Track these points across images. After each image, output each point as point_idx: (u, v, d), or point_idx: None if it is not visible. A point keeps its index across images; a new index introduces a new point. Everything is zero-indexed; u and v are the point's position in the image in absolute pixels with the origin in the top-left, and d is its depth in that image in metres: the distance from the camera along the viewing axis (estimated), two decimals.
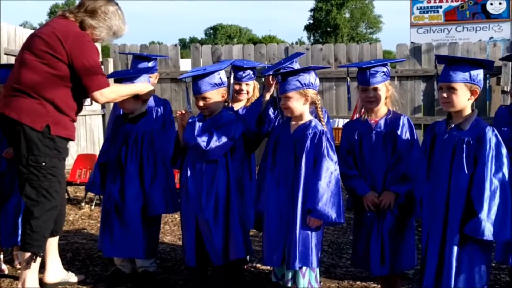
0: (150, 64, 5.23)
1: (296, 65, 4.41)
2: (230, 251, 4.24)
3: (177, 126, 4.33)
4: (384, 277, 4.18)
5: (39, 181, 4.14)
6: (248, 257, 4.86)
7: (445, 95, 3.56)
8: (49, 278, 4.52)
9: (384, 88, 4.06)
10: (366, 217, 4.06)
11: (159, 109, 5.15)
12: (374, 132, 4.05)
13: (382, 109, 4.10)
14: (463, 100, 3.56)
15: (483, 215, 3.39)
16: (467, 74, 3.54)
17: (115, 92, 4.40)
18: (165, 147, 4.57)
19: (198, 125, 4.15)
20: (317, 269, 3.94)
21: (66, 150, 4.35)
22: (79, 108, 4.37)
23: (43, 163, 4.13)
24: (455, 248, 3.50)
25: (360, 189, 4.04)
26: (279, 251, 3.90)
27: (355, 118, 4.82)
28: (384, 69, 4.05)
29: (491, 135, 3.49)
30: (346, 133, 4.21)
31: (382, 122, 4.07)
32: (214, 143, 4.13)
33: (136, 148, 4.59)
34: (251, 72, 4.79)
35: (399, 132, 4.00)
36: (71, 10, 4.36)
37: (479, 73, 3.57)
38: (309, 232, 3.84)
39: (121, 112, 4.83)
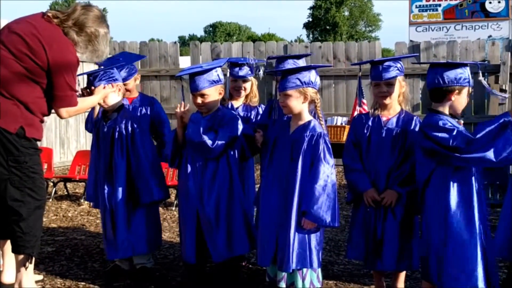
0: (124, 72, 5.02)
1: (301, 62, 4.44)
2: (234, 246, 4.26)
3: (177, 124, 4.34)
4: (379, 272, 4.23)
5: (21, 181, 3.98)
6: (246, 254, 4.89)
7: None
8: (6, 278, 4.42)
9: (397, 83, 4.05)
10: (365, 212, 4.08)
11: (144, 108, 5.13)
12: (385, 128, 4.05)
13: (395, 107, 4.10)
14: None
15: None
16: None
17: (78, 111, 4.29)
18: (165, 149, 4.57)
19: (202, 123, 4.16)
20: (319, 269, 3.96)
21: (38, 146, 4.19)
22: (49, 112, 4.16)
23: (25, 162, 3.97)
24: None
25: (362, 184, 4.05)
26: (270, 251, 3.92)
27: (356, 114, 4.83)
28: (398, 65, 4.05)
29: None
30: (355, 126, 4.20)
31: (394, 120, 4.07)
32: (220, 140, 4.15)
33: (121, 143, 4.62)
34: (248, 69, 4.79)
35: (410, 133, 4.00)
36: (57, 15, 4.04)
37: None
38: (307, 234, 3.85)
39: (100, 116, 4.84)
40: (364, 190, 4.03)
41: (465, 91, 3.67)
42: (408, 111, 4.16)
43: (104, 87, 4.53)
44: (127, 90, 5.08)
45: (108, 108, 4.67)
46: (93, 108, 4.98)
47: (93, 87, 4.54)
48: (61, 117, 4.23)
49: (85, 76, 4.79)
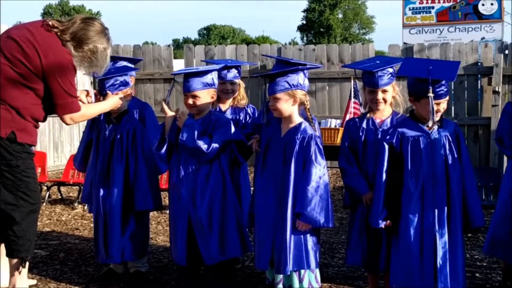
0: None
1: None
2: (227, 249, 4.25)
3: (166, 120, 4.31)
4: (375, 274, 4.23)
5: (15, 185, 3.97)
6: (240, 258, 4.88)
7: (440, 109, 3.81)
8: (0, 282, 4.37)
9: (391, 89, 4.09)
10: (362, 214, 4.10)
11: (135, 112, 5.09)
12: (380, 130, 4.08)
13: (387, 109, 4.13)
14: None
15: (479, 205, 3.79)
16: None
17: (83, 116, 4.26)
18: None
19: (196, 128, 4.16)
20: (317, 270, 3.98)
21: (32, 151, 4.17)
22: (44, 119, 4.15)
23: (17, 166, 3.96)
24: (460, 245, 3.78)
25: (361, 188, 4.07)
26: (267, 254, 3.93)
27: (348, 117, 4.84)
28: (391, 70, 4.07)
29: (458, 128, 3.91)
30: (349, 130, 4.22)
31: (388, 121, 4.11)
32: (215, 145, 4.15)
33: (121, 147, 4.61)
34: (236, 71, 4.79)
35: None
36: (56, 25, 4.00)
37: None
38: (303, 235, 3.86)
39: (102, 118, 4.81)
40: (364, 193, 4.05)
41: (424, 102, 3.73)
42: (400, 112, 4.18)
43: (117, 94, 4.53)
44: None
45: (113, 111, 4.66)
46: None
47: (108, 92, 4.51)
48: (66, 124, 4.23)
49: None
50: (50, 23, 4.02)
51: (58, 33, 4.00)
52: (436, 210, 3.73)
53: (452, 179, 3.75)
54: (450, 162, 3.76)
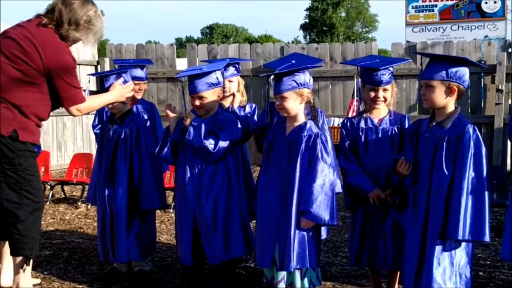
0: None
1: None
2: (231, 249, 4.26)
3: (170, 123, 4.34)
4: (377, 273, 4.23)
5: (18, 183, 3.99)
6: (244, 257, 4.89)
7: (423, 92, 3.65)
8: (4, 281, 4.41)
9: (391, 88, 4.09)
10: (366, 213, 4.07)
11: (145, 114, 5.09)
12: (380, 128, 4.07)
13: (384, 108, 4.12)
14: (440, 97, 3.58)
15: (461, 216, 3.45)
16: (443, 72, 3.55)
17: (90, 107, 4.33)
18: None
19: (203, 127, 4.17)
20: (318, 268, 3.98)
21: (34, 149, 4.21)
22: (47, 116, 4.20)
23: (20, 165, 3.98)
24: (437, 248, 3.56)
25: (367, 186, 4.02)
26: (269, 252, 3.93)
27: (350, 115, 4.84)
28: (391, 69, 4.07)
29: (472, 133, 3.50)
30: (348, 130, 4.18)
31: (387, 119, 4.09)
32: (222, 145, 4.16)
33: (125, 147, 4.62)
34: (234, 69, 4.79)
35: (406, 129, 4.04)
36: (49, 22, 4.05)
37: (457, 71, 3.55)
38: (306, 233, 3.87)
39: (105, 118, 4.85)
40: (371, 191, 4.00)
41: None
42: (400, 111, 4.19)
43: (128, 83, 4.55)
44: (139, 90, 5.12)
45: (115, 111, 4.67)
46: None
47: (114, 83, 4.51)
48: (74, 115, 4.32)
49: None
50: (44, 20, 4.05)
51: (53, 28, 4.04)
52: (420, 212, 3.65)
53: (432, 183, 3.59)
54: (435, 165, 3.58)
